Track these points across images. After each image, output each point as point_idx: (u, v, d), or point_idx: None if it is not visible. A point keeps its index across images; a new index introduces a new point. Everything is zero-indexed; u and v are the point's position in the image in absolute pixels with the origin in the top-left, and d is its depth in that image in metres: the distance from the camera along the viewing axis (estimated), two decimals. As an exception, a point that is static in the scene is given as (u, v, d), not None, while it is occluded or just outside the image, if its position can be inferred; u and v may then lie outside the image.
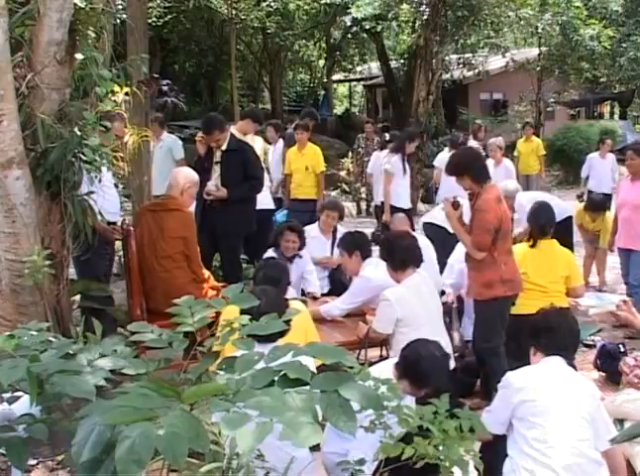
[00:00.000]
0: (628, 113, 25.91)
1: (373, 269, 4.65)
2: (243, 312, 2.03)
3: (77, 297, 4.75)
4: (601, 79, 18.71)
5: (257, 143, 7.34)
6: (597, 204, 7.21)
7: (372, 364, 3.69)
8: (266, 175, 6.73)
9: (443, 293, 5.07)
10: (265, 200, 6.76)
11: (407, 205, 8.06)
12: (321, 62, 24.85)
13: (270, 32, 18.58)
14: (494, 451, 2.87)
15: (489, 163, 7.28)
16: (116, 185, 5.16)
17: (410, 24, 15.82)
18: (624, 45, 17.22)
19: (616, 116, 27.39)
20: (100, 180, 4.04)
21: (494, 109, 21.53)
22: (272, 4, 17.06)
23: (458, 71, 18.83)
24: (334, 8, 17.66)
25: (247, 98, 22.87)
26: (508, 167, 9.10)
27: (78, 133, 3.72)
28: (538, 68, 17.55)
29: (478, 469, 2.00)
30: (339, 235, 5.54)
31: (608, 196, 8.95)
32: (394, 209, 7.59)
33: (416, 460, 1.86)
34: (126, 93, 4.22)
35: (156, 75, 9.82)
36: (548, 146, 14.30)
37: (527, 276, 4.69)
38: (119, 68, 4.01)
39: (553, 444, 2.75)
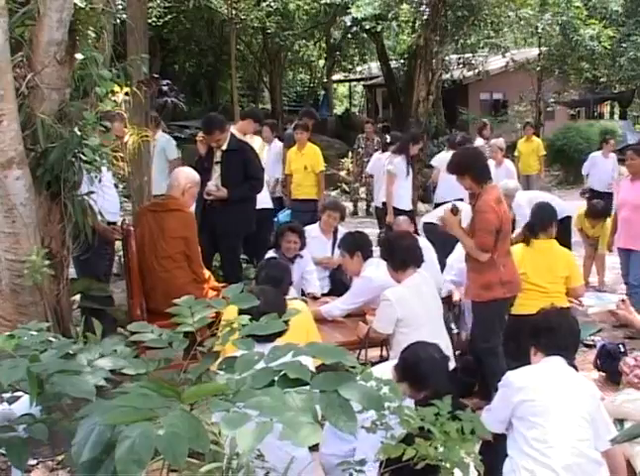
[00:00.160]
0: (628, 113, 25.92)
1: (374, 269, 4.65)
2: (242, 312, 2.03)
3: (77, 297, 4.74)
4: (601, 79, 18.70)
5: (255, 142, 7.33)
6: (598, 212, 7.19)
7: (372, 364, 3.69)
8: (264, 174, 6.73)
9: (449, 297, 5.07)
10: (264, 200, 6.75)
11: (409, 207, 8.02)
12: (321, 62, 24.83)
13: (270, 32, 18.56)
14: (494, 451, 2.87)
15: (490, 163, 7.27)
16: (116, 185, 5.16)
17: (410, 24, 15.81)
18: (624, 45, 17.20)
19: (616, 116, 27.40)
20: (100, 180, 4.04)
21: (494, 109, 21.52)
22: (272, 4, 17.06)
23: (458, 71, 18.84)
24: (334, 8, 17.66)
25: (247, 98, 22.87)
26: (509, 168, 9.08)
27: (78, 133, 3.72)
28: (538, 68, 17.54)
29: (478, 471, 2.00)
30: (340, 235, 5.54)
31: (609, 195, 8.96)
32: (396, 211, 7.55)
33: (417, 461, 1.86)
34: (126, 93, 4.21)
35: (156, 75, 9.83)
36: (548, 146, 14.30)
37: (526, 276, 4.68)
38: (119, 68, 4.01)
39: (553, 444, 2.75)
